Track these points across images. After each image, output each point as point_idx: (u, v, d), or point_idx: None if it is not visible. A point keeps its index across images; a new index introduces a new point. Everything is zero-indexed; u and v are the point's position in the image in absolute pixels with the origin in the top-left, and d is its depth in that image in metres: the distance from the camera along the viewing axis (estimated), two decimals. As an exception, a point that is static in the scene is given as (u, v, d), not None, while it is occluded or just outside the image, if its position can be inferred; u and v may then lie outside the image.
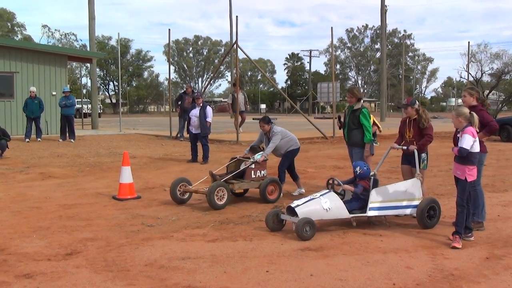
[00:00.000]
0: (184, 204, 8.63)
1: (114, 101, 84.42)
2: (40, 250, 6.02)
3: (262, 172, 9.05)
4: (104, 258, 5.70)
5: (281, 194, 9.05)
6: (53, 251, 5.96)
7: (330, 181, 7.37)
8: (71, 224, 7.25)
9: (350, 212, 6.99)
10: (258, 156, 9.04)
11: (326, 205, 6.82)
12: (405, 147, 7.66)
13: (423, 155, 7.62)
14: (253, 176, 8.94)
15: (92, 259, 5.69)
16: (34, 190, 9.95)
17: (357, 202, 7.15)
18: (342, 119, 9.10)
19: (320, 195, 6.95)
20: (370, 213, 7.04)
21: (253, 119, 42.34)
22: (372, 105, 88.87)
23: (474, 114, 6.41)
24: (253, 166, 8.94)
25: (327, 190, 7.11)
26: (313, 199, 6.90)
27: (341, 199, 7.05)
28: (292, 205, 6.78)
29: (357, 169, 7.34)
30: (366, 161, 9.51)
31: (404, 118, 7.95)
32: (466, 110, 6.42)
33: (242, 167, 8.99)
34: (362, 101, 8.77)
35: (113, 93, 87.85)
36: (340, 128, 9.29)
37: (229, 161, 9.58)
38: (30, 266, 5.44)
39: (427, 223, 7.03)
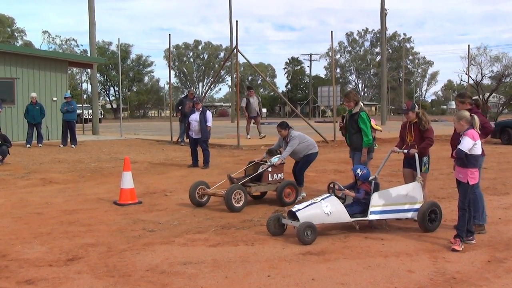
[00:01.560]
0: (185, 209, 8.63)
1: (114, 106, 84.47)
2: (41, 256, 6.02)
3: (279, 175, 9.19)
4: (105, 264, 5.70)
5: (298, 196, 9.12)
6: (54, 257, 5.96)
7: (331, 185, 7.37)
8: (72, 230, 7.25)
9: (351, 216, 6.98)
10: (275, 160, 9.18)
11: (327, 209, 6.82)
12: (405, 151, 7.67)
13: (425, 158, 7.62)
14: (270, 179, 9.08)
15: (94, 264, 5.69)
16: (35, 196, 9.95)
17: (358, 206, 7.15)
18: (342, 123, 9.10)
19: (321, 199, 6.95)
20: (371, 217, 7.04)
21: (254, 123, 42.35)
22: (373, 108, 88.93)
23: (475, 117, 6.41)
24: (270, 169, 9.06)
25: (328, 194, 7.11)
26: (314, 203, 6.90)
27: (342, 203, 7.05)
28: (293, 209, 6.78)
29: (358, 171, 7.36)
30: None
31: (405, 122, 7.96)
32: (467, 113, 6.42)
33: (260, 170, 9.10)
34: (360, 104, 8.76)
35: (113, 98, 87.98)
36: (340, 130, 9.30)
37: (246, 164, 9.70)
38: (32, 272, 5.44)
39: (428, 226, 7.02)
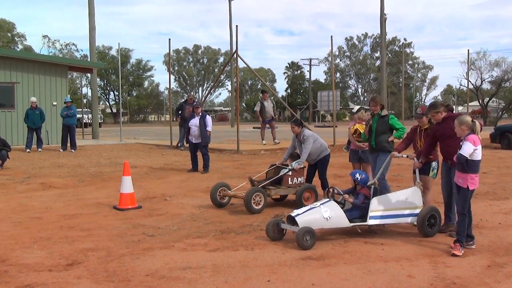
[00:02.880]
0: (185, 214, 8.63)
1: (114, 110, 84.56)
2: (41, 260, 6.01)
3: (299, 179, 9.36)
4: (105, 269, 5.69)
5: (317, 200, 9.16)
6: (54, 262, 5.96)
7: (330, 190, 7.38)
8: (72, 235, 7.24)
9: (350, 221, 6.98)
10: (295, 164, 9.32)
11: (326, 214, 6.81)
12: (405, 156, 7.68)
13: (434, 163, 7.64)
14: (290, 182, 9.25)
15: (93, 269, 5.68)
16: (35, 200, 9.95)
17: (358, 211, 7.14)
18: (368, 127, 9.02)
19: (320, 204, 6.95)
20: (370, 222, 7.03)
21: (254, 128, 42.37)
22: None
23: (477, 122, 6.40)
24: (290, 173, 9.21)
25: (327, 199, 7.11)
26: (313, 208, 6.90)
27: (342, 208, 7.05)
28: (293, 214, 6.78)
29: (357, 175, 7.37)
30: (367, 171, 9.54)
31: (415, 127, 7.94)
32: (468, 119, 6.41)
33: (281, 173, 9.26)
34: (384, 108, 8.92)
35: (113, 102, 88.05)
36: (366, 137, 9.18)
37: (268, 167, 9.85)
38: (31, 277, 5.43)
39: (427, 231, 7.02)
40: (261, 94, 22.37)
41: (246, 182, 9.42)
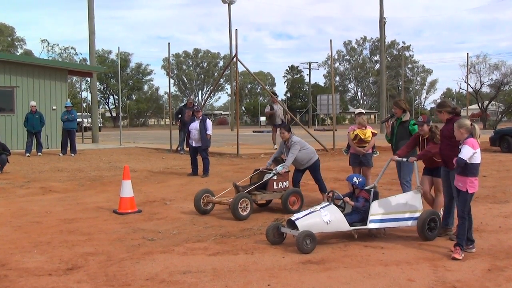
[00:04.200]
0: (185, 218, 8.62)
1: (114, 114, 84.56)
2: (40, 265, 6.00)
3: (284, 183, 9.25)
4: (105, 273, 5.69)
5: (303, 204, 9.15)
6: (54, 266, 5.95)
7: (330, 194, 7.37)
8: (72, 239, 7.24)
9: (350, 224, 6.97)
10: (280, 168, 9.22)
11: (326, 217, 6.81)
12: (405, 159, 7.70)
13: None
14: (275, 187, 9.14)
15: (93, 274, 5.67)
16: (35, 204, 9.94)
17: (358, 214, 7.14)
18: (389, 128, 9.02)
19: (320, 208, 6.95)
20: (370, 225, 7.03)
21: (253, 131, 42.35)
22: (372, 116, 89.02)
23: (476, 126, 6.42)
24: (275, 177, 9.11)
25: (327, 203, 7.11)
26: (313, 212, 6.89)
27: (342, 212, 7.04)
28: (293, 218, 6.77)
29: (355, 179, 7.39)
30: (367, 174, 9.57)
31: (418, 134, 7.94)
32: (468, 122, 6.43)
33: (265, 178, 9.15)
34: (408, 112, 8.82)
35: (113, 106, 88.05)
36: (386, 121, 9.26)
37: (252, 172, 9.73)
38: (31, 281, 5.42)
39: (428, 235, 7.01)
40: (273, 96, 21.79)
41: (230, 188, 9.33)
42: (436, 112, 7.52)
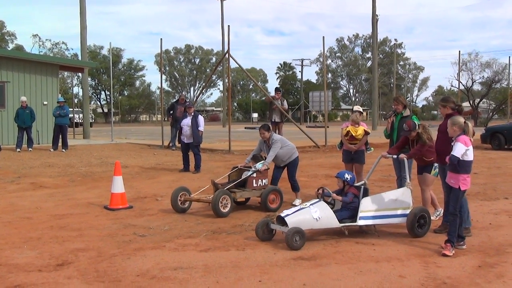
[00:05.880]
0: (176, 214, 8.60)
1: (106, 110, 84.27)
2: (31, 261, 5.97)
3: (264, 181, 9.15)
4: (95, 269, 5.66)
5: (282, 202, 9.09)
6: (44, 262, 5.92)
7: (320, 191, 7.36)
8: (62, 235, 7.20)
9: (340, 221, 6.97)
10: (259, 165, 9.13)
11: (316, 214, 6.80)
12: (395, 156, 7.72)
13: (436, 163, 7.68)
14: (254, 185, 9.03)
15: (84, 269, 5.65)
16: (25, 200, 9.89)
17: (347, 211, 7.14)
18: (390, 123, 9.02)
19: (310, 205, 6.94)
20: (360, 222, 7.04)
21: (245, 128, 42.34)
22: (364, 114, 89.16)
23: (469, 123, 6.47)
24: (254, 175, 9.02)
25: (317, 200, 7.11)
26: (302, 208, 6.89)
27: (331, 208, 7.04)
28: (282, 215, 6.76)
29: (346, 175, 7.38)
30: (359, 171, 9.57)
31: (406, 137, 7.96)
32: (461, 119, 6.47)
33: (244, 176, 9.05)
34: (407, 108, 8.86)
35: (104, 102, 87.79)
36: (389, 117, 9.19)
37: (230, 170, 9.64)
38: (21, 277, 5.39)
39: (417, 232, 7.03)
40: (274, 92, 20.97)
41: (208, 186, 9.27)
42: (439, 105, 7.56)
